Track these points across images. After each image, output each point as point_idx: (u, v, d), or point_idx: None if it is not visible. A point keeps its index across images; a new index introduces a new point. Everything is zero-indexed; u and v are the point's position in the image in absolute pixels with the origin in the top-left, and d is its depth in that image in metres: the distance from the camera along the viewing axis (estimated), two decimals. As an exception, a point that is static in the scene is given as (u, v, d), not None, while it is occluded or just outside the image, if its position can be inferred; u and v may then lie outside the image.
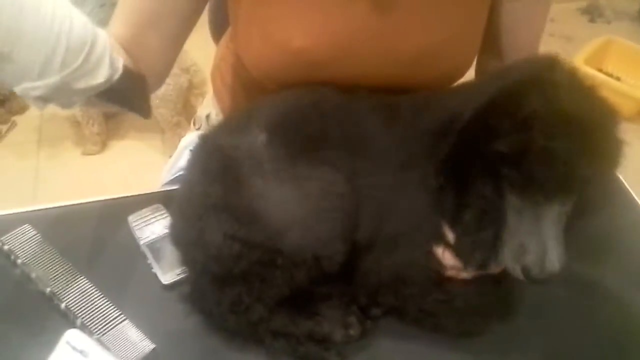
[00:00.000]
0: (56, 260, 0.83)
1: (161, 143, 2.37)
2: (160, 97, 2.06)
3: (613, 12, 3.18)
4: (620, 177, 0.99)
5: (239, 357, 0.74)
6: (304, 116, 0.75)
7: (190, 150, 0.78)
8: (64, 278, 0.81)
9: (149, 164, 2.24)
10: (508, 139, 0.61)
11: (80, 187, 2.17)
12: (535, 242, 0.61)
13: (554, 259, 0.61)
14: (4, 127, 2.41)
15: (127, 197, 0.92)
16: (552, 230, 0.61)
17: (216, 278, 0.74)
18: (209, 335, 0.76)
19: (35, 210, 0.90)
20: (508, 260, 0.64)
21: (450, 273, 0.72)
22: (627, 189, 0.98)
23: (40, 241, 0.85)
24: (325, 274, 0.73)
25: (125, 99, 0.65)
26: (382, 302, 0.76)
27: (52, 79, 0.54)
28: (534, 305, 0.81)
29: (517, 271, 0.63)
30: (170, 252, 0.82)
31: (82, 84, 0.57)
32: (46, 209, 0.90)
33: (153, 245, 0.84)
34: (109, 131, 2.39)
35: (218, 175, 0.72)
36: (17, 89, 0.55)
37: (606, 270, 0.86)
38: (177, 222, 0.78)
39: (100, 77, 0.58)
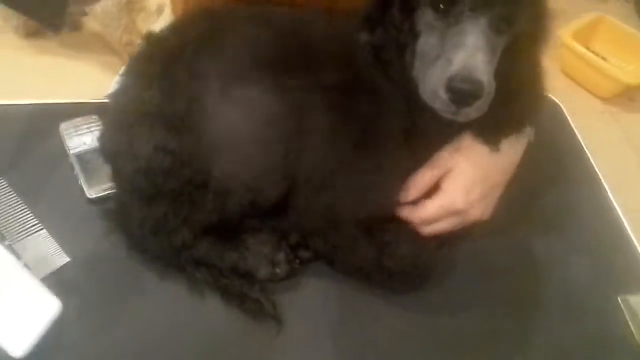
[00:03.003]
0: (-25, 158, 0.78)
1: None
2: (102, 15, 1.98)
3: (610, -10, 3.11)
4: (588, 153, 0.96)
5: (156, 282, 0.71)
6: (257, 35, 0.69)
7: (130, 56, 0.72)
8: (-20, 177, 0.76)
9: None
10: None
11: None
12: (461, 52, 0.56)
13: (479, 66, 0.55)
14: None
15: (62, 103, 0.86)
16: (479, 43, 0.56)
17: (143, 195, 0.69)
18: (128, 257, 0.72)
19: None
20: (433, 80, 0.57)
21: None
22: (592, 165, 0.94)
23: (-38, 137, 0.79)
24: (259, 207, 0.69)
25: (28, 8, 0.59)
26: (313, 245, 0.72)
27: None
28: (473, 273, 0.77)
29: (440, 91, 0.56)
30: (100, 166, 0.77)
31: None
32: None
33: (83, 157, 0.79)
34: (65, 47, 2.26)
35: (155, 79, 0.67)
36: None
37: (555, 241, 0.82)
38: (107, 130, 0.73)
39: None
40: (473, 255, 0.78)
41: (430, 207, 0.69)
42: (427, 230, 0.71)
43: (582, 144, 0.96)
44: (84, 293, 0.69)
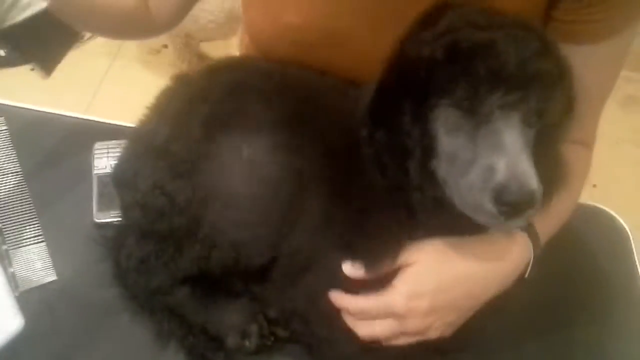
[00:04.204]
0: (10, 158, 0.81)
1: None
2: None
3: None
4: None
5: (126, 323, 0.69)
6: (273, 101, 0.65)
7: (166, 85, 0.72)
8: (7, 177, 0.79)
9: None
10: (435, 43, 0.52)
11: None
12: (503, 157, 0.49)
13: (529, 173, 0.49)
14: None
15: (104, 123, 0.88)
16: (519, 143, 0.49)
17: (137, 230, 0.69)
18: (110, 289, 0.70)
19: (15, 107, 0.88)
20: (473, 190, 0.50)
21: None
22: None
23: (5, 136, 0.83)
24: (242, 269, 0.66)
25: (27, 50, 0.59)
26: (293, 326, 0.67)
27: None
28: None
29: (485, 203, 0.49)
30: (115, 192, 0.77)
31: None
32: (26, 109, 0.88)
33: (103, 179, 0.79)
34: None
35: (171, 118, 0.67)
36: None
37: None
38: (122, 157, 0.73)
39: None
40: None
41: (371, 300, 0.60)
42: (364, 329, 0.62)
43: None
44: (54, 317, 0.68)
